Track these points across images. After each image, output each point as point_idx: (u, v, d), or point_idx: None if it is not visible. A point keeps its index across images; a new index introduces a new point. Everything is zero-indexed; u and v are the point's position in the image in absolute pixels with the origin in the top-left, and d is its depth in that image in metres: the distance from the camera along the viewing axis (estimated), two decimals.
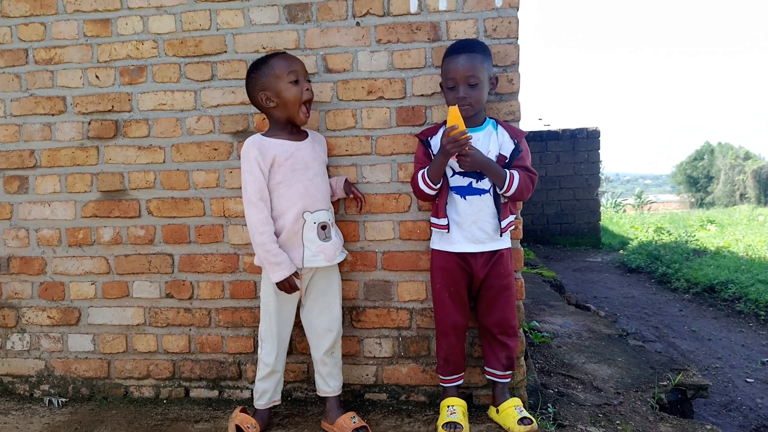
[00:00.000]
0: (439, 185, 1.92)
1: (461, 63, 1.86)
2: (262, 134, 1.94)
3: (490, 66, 1.92)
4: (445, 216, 1.93)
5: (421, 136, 1.99)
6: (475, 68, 1.85)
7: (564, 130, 8.33)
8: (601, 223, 8.55)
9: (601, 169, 9.02)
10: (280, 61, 1.91)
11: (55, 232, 2.32)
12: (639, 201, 21.03)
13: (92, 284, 2.31)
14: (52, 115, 2.29)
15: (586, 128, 8.30)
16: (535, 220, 8.32)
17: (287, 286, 1.85)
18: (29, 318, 2.35)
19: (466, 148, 1.82)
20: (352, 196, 2.10)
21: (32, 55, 2.29)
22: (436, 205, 1.97)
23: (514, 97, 2.06)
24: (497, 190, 1.92)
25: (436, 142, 1.95)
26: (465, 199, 1.93)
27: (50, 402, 2.29)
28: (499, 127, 1.97)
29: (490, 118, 1.99)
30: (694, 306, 4.83)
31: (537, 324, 3.36)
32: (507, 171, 1.89)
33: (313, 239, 1.89)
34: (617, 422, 2.04)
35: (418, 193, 1.97)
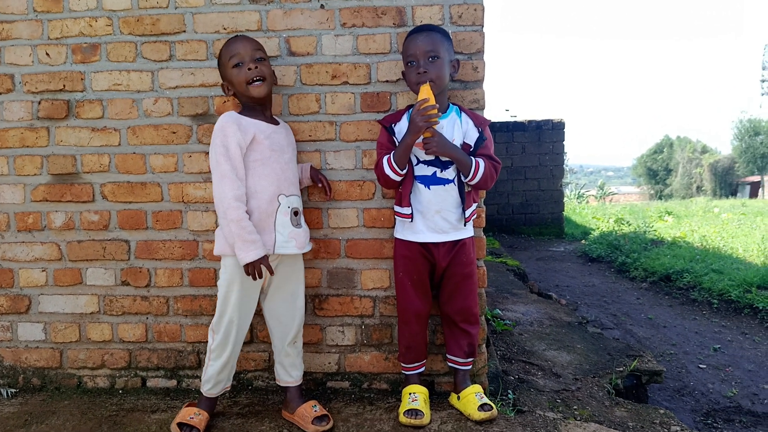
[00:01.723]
0: (404, 171, 1.90)
1: (420, 39, 1.85)
2: (237, 112, 1.88)
3: (450, 49, 1.91)
4: (409, 205, 1.91)
5: (385, 123, 1.97)
6: (434, 44, 1.84)
7: (530, 122, 8.43)
8: (564, 213, 8.71)
9: (565, 161, 9.18)
10: (224, 48, 1.88)
11: (3, 217, 2.21)
12: (601, 192, 21.55)
13: (43, 271, 2.22)
14: (0, 93, 2.18)
15: (552, 120, 8.41)
16: (501, 210, 8.42)
17: (256, 269, 1.75)
18: None
19: (435, 122, 1.80)
20: (320, 185, 2.06)
21: None
22: (400, 193, 1.95)
23: (478, 85, 2.05)
24: (462, 178, 1.91)
25: (400, 129, 1.92)
26: (429, 188, 1.91)
27: None
28: (463, 114, 1.96)
29: (454, 104, 1.98)
30: (651, 294, 4.98)
31: (500, 312, 3.41)
32: (473, 158, 1.88)
33: (286, 224, 1.85)
34: (574, 407, 2.08)
35: (383, 180, 1.94)
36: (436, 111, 1.79)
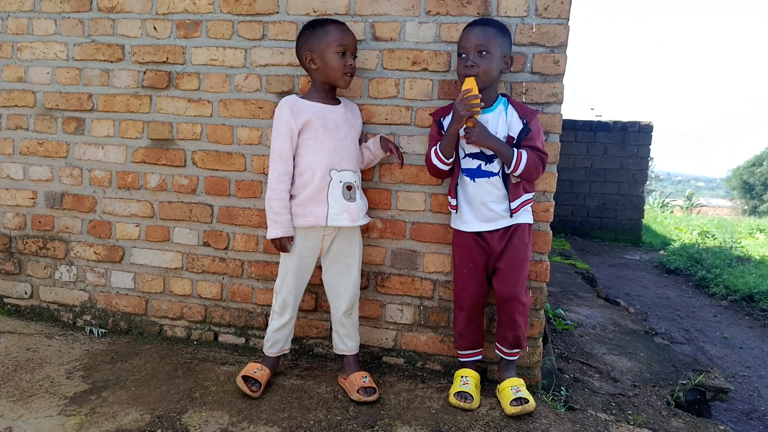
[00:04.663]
0: (451, 160, 1.95)
1: (474, 33, 1.88)
2: (297, 96, 2.03)
3: (505, 44, 1.90)
4: (455, 196, 1.97)
5: (435, 116, 2.02)
6: (487, 39, 1.86)
7: (615, 122, 8.08)
8: (644, 221, 8.32)
9: (651, 166, 8.73)
10: (335, 29, 1.96)
11: (107, 174, 2.45)
12: (688, 203, 20.30)
13: (137, 226, 2.44)
14: (111, 62, 2.40)
15: (639, 122, 8.03)
16: (575, 212, 8.17)
17: (278, 245, 1.95)
18: (77, 252, 2.51)
19: (477, 112, 1.83)
20: (388, 153, 2.12)
21: (96, 2, 2.39)
22: (450, 184, 2.01)
23: (558, 79, 2.04)
24: (505, 170, 1.92)
25: (448, 123, 1.95)
26: (474, 181, 1.95)
27: (91, 331, 2.45)
28: (510, 106, 1.95)
29: (503, 96, 1.98)
30: (730, 313, 4.70)
31: (562, 312, 3.36)
32: (515, 150, 1.88)
33: (338, 198, 1.95)
34: (629, 412, 2.05)
35: (432, 169, 2.00)
36: (478, 101, 1.82)
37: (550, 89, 2.04)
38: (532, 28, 2.03)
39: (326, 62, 1.95)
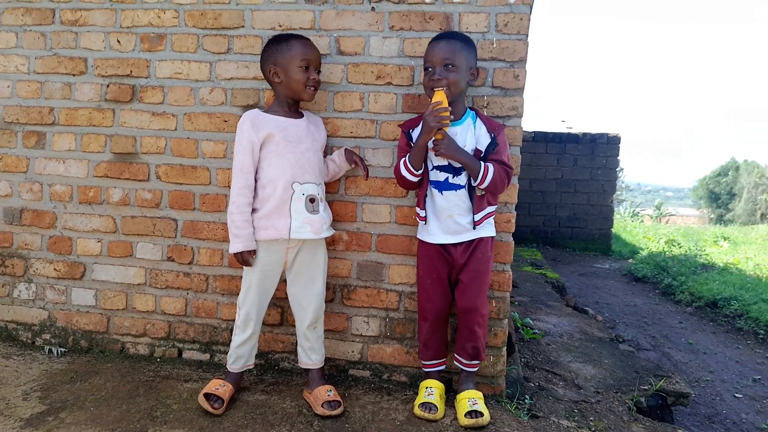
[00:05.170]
0: (420, 171, 1.96)
1: (439, 47, 1.91)
2: (260, 110, 2.04)
3: (470, 57, 1.94)
4: (424, 208, 1.99)
5: (404, 128, 2.04)
6: (452, 52, 1.89)
7: (584, 134, 8.27)
8: (613, 230, 8.49)
9: (620, 177, 8.94)
10: (298, 44, 1.98)
11: (68, 189, 2.41)
12: (658, 212, 20.79)
13: (98, 242, 2.40)
14: (73, 75, 2.37)
15: (607, 134, 8.23)
16: (547, 222, 8.29)
17: (240, 258, 1.95)
18: (36, 269, 2.45)
19: (446, 124, 1.86)
20: (353, 165, 2.13)
21: (59, 15, 2.37)
22: (418, 196, 2.03)
23: (519, 93, 2.09)
24: (472, 182, 1.94)
25: (417, 134, 1.97)
26: (442, 193, 1.97)
27: (50, 351, 2.39)
28: (478, 120, 1.99)
29: (471, 109, 2.02)
30: (694, 319, 4.82)
31: (530, 321, 3.40)
32: (481, 163, 1.91)
33: (301, 210, 1.95)
34: (591, 419, 2.08)
35: (401, 181, 2.02)
36: (448, 114, 1.85)
37: (510, 103, 2.09)
38: (493, 44, 2.07)
39: (289, 76, 1.97)
